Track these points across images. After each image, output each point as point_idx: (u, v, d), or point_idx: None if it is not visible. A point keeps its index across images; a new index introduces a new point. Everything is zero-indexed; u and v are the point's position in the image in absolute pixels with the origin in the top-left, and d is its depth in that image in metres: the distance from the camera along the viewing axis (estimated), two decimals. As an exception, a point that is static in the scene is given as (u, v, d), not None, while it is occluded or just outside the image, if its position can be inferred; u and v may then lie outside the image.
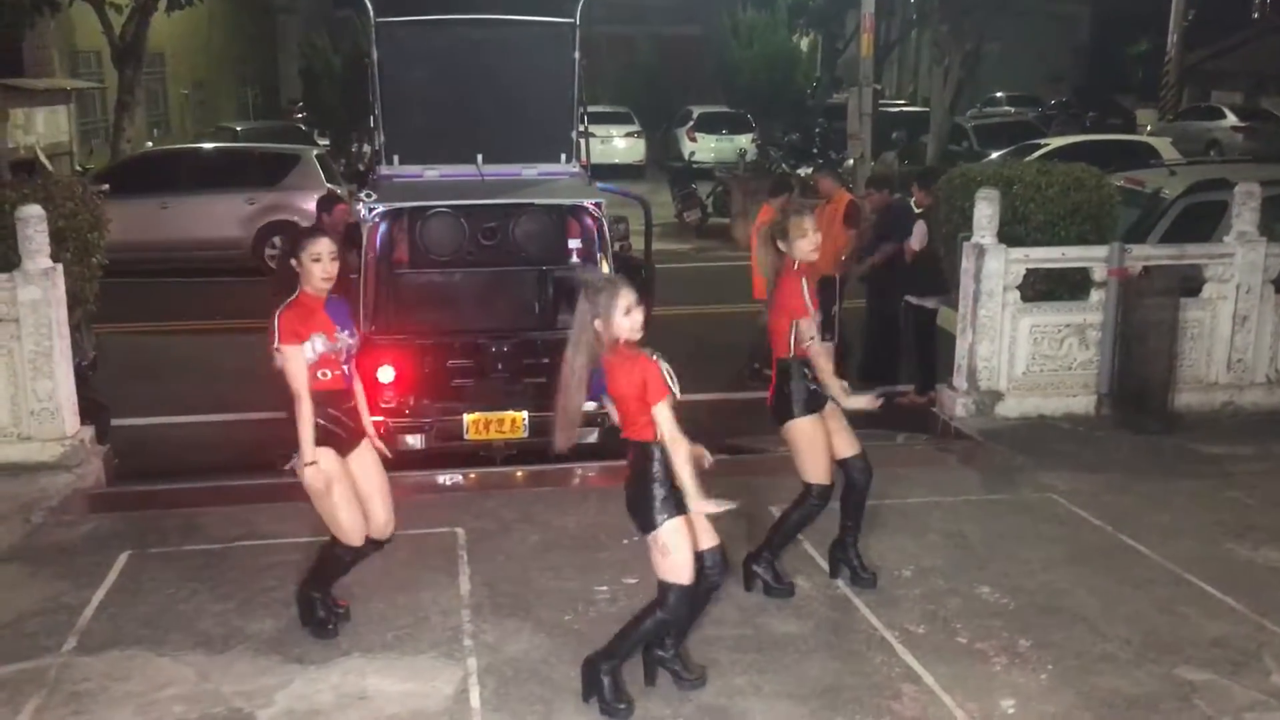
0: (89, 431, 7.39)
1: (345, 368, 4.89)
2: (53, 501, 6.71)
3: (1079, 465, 7.25)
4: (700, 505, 4.34)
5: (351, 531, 4.92)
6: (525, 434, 7.33)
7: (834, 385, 5.23)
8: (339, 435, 4.87)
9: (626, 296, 4.30)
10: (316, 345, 4.75)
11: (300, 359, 4.71)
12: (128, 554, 5.96)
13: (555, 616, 5.28)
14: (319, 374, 4.77)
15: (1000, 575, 5.72)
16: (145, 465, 7.85)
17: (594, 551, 5.96)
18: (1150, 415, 7.85)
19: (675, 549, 4.37)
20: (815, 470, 5.30)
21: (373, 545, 5.06)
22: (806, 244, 5.19)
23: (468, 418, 7.29)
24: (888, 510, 6.46)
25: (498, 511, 6.53)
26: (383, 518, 5.02)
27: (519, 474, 7.42)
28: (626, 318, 4.30)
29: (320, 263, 4.74)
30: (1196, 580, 5.64)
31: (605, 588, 5.52)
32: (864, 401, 5.31)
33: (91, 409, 7.53)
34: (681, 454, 4.31)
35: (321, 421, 4.79)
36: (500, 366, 7.46)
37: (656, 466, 4.36)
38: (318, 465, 4.74)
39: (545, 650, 4.98)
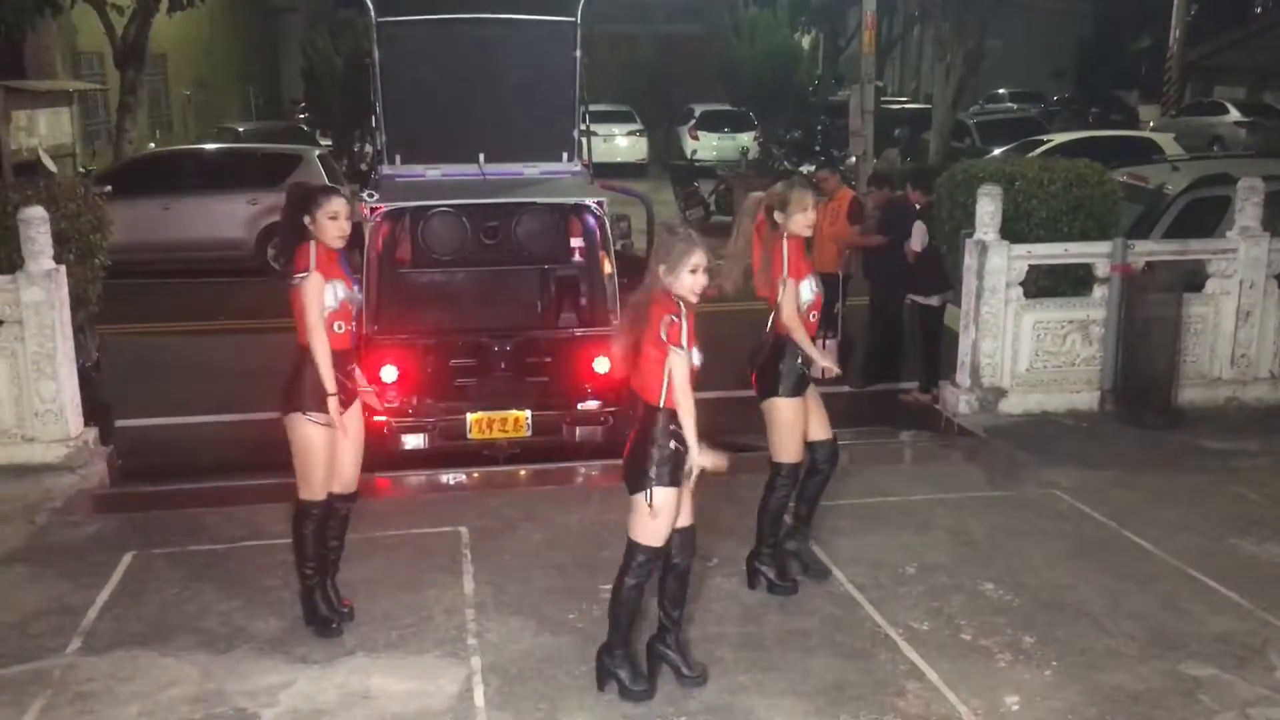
0: (93, 432, 7.41)
1: (353, 326, 4.93)
2: (57, 502, 6.72)
3: (1083, 461, 7.25)
4: (701, 458, 4.36)
5: (318, 486, 4.95)
6: (528, 433, 7.34)
7: (814, 351, 5.29)
8: (338, 397, 4.90)
9: (699, 256, 4.32)
10: (338, 291, 4.79)
11: (325, 293, 4.73)
12: (132, 554, 5.97)
13: (559, 615, 5.28)
14: (334, 326, 4.79)
15: (1004, 572, 5.71)
16: (149, 466, 7.86)
17: (597, 550, 5.96)
18: (1154, 411, 7.85)
19: (657, 514, 4.38)
20: (788, 449, 5.34)
21: (339, 500, 5.07)
22: (804, 219, 5.18)
23: (471, 417, 7.29)
24: (891, 507, 6.47)
25: (501, 510, 6.53)
26: (349, 474, 5.07)
27: (522, 473, 7.44)
28: (691, 276, 4.32)
29: (337, 221, 4.78)
30: (1201, 576, 5.64)
31: (609, 586, 5.48)
32: (830, 360, 5.50)
33: (95, 410, 7.54)
34: (686, 408, 4.31)
35: None
36: (503, 365, 7.46)
37: (659, 430, 4.36)
38: (331, 419, 4.78)
39: (549, 649, 4.98)
